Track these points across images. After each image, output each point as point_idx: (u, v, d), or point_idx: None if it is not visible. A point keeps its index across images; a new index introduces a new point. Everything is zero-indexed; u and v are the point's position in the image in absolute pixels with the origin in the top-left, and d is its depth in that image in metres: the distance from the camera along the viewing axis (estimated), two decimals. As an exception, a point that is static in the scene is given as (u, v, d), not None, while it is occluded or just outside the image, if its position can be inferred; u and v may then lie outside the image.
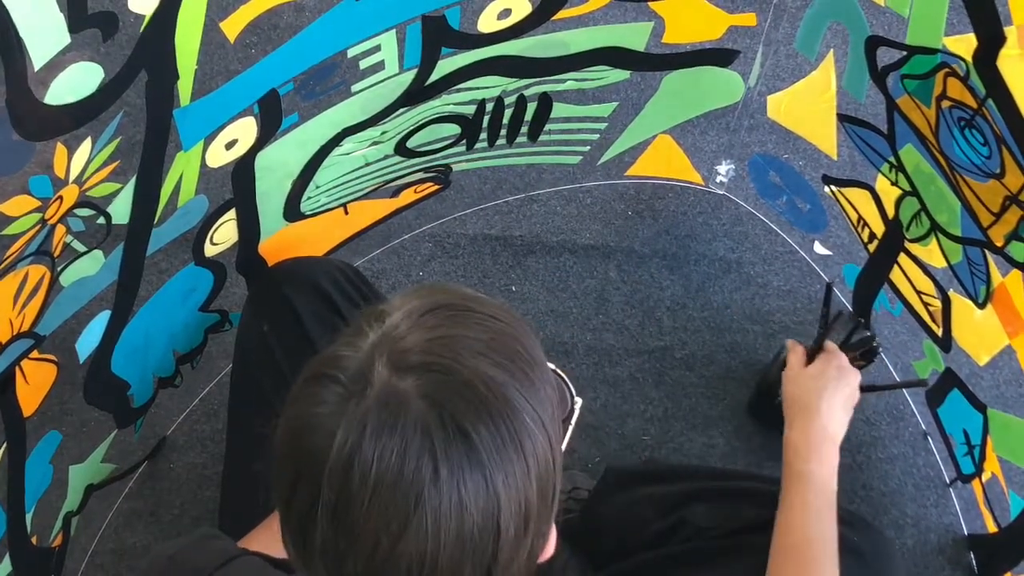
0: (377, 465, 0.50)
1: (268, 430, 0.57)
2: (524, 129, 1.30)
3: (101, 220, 0.90)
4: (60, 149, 0.81)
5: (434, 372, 0.53)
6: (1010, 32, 0.82)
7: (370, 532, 0.51)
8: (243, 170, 1.01)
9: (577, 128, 1.38)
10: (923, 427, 1.40)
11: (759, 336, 1.46)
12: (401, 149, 1.20)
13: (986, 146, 0.93)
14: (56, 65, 0.70)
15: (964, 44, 0.89)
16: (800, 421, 1.04)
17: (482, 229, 1.55)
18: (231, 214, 1.07)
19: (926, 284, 1.20)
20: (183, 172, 0.93)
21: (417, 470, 0.51)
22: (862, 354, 1.24)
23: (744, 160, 1.54)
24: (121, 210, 0.90)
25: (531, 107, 1.25)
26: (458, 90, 1.13)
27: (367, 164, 1.19)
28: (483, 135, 1.27)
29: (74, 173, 0.83)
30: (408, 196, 1.39)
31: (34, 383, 0.96)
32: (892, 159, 1.13)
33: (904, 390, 1.43)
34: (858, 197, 1.26)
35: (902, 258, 1.22)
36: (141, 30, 0.76)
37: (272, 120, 0.96)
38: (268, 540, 0.81)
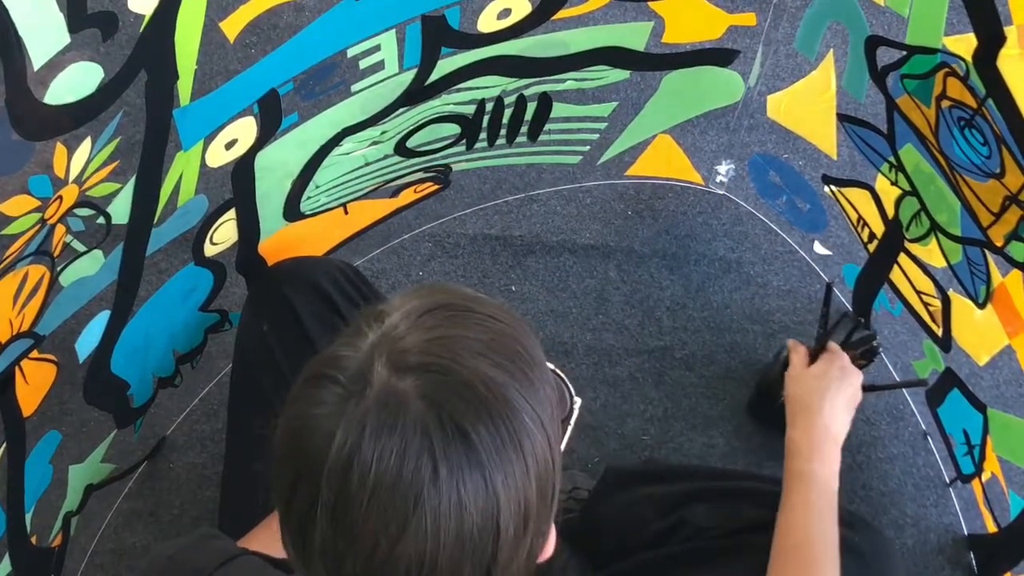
0: (376, 466, 0.50)
1: (268, 430, 0.57)
2: (524, 129, 1.30)
3: (101, 220, 0.90)
4: (60, 149, 0.81)
5: (433, 372, 0.53)
6: (1010, 32, 0.82)
7: (369, 532, 0.51)
8: (243, 170, 1.01)
9: (577, 128, 1.38)
10: (923, 427, 1.40)
11: (759, 336, 1.46)
12: (401, 149, 1.20)
13: (986, 146, 0.93)
14: (56, 65, 0.70)
15: (964, 44, 0.89)
16: (803, 421, 1.04)
17: (482, 229, 1.55)
18: (231, 214, 1.07)
19: (926, 284, 1.20)
20: (183, 172, 0.93)
21: (416, 470, 0.50)
22: (862, 354, 1.24)
23: (744, 160, 1.54)
24: (121, 210, 0.90)
25: (531, 107, 1.25)
26: (458, 90, 1.13)
27: (367, 164, 1.19)
28: (483, 135, 1.27)
29: (74, 173, 0.83)
30: (408, 196, 1.39)
31: (34, 383, 0.95)
32: (892, 159, 1.13)
33: (904, 390, 1.43)
34: (858, 197, 1.26)
35: (902, 258, 1.22)
36: (141, 30, 0.76)
37: (272, 120, 0.96)
38: (268, 540, 0.81)
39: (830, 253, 1.50)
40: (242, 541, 0.83)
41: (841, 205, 1.33)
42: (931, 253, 1.15)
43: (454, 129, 1.22)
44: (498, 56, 1.10)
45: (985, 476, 1.22)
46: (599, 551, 1.05)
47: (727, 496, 1.02)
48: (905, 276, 1.24)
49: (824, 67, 1.20)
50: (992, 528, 1.25)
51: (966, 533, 1.32)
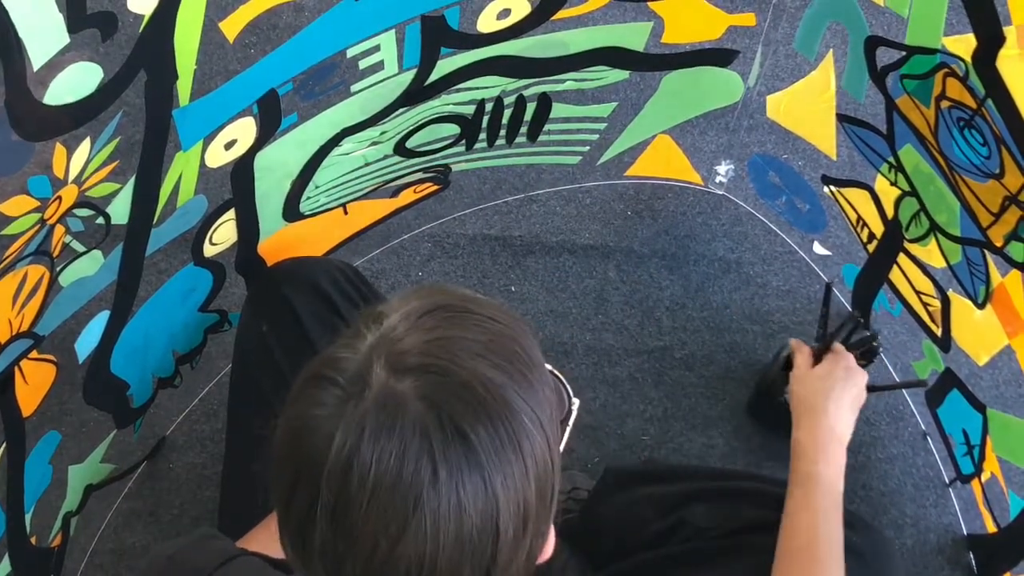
0: (376, 467, 0.50)
1: (267, 430, 0.57)
2: (523, 129, 1.30)
3: (100, 220, 0.90)
4: (59, 149, 0.81)
5: (432, 374, 0.53)
6: (1009, 32, 0.82)
7: (369, 534, 0.51)
8: (242, 170, 1.01)
9: (576, 128, 1.38)
10: (922, 427, 1.40)
11: (758, 336, 1.46)
12: (400, 149, 1.20)
13: (985, 146, 0.93)
14: (55, 65, 0.70)
15: (963, 44, 0.89)
16: (807, 422, 1.04)
17: (481, 229, 1.55)
18: (230, 214, 1.07)
19: (925, 284, 1.20)
20: (182, 172, 0.93)
21: (416, 472, 0.50)
22: (862, 354, 1.24)
23: (743, 160, 1.54)
24: (120, 210, 0.90)
25: (530, 107, 1.25)
26: (457, 90, 1.13)
27: (366, 164, 1.19)
28: (482, 135, 1.27)
29: (73, 173, 0.83)
30: (407, 196, 1.39)
31: (33, 383, 0.95)
32: (891, 159, 1.13)
33: (903, 390, 1.43)
34: (857, 197, 1.26)
35: (901, 258, 1.22)
36: (140, 30, 0.76)
37: (271, 120, 0.96)
38: (267, 540, 0.81)
39: (829, 253, 1.50)
40: (241, 541, 0.83)
41: (840, 205, 1.33)
42: (930, 253, 1.15)
43: (454, 129, 1.22)
44: (498, 56, 1.10)
45: (985, 476, 1.22)
46: (599, 551, 1.05)
47: (727, 496, 1.02)
48: (904, 276, 1.24)
49: (824, 67, 1.20)
50: (992, 528, 1.25)
51: (965, 533, 1.32)
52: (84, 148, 0.83)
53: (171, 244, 1.04)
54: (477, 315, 0.57)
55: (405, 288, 1.49)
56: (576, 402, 0.68)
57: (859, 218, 1.29)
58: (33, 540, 1.06)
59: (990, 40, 0.85)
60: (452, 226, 1.55)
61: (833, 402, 1.05)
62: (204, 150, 0.93)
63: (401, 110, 1.10)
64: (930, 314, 1.23)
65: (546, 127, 1.31)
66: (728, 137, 1.55)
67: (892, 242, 1.22)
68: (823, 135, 1.26)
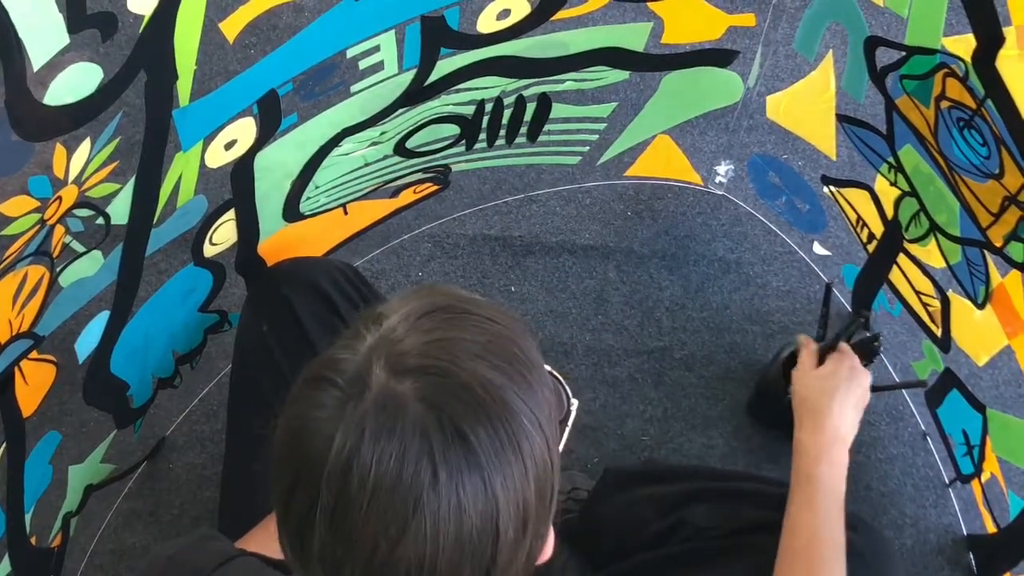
0: (376, 469, 0.50)
1: (267, 431, 0.57)
2: (523, 129, 1.30)
3: (100, 220, 0.90)
4: (59, 149, 0.81)
5: (432, 375, 0.53)
6: (1009, 32, 0.82)
7: (368, 536, 0.51)
8: (242, 170, 1.01)
9: (576, 128, 1.38)
10: (922, 427, 1.40)
11: (758, 336, 1.46)
12: (400, 149, 1.20)
13: (985, 146, 0.93)
14: (55, 65, 0.70)
15: (963, 44, 0.89)
16: (810, 422, 1.03)
17: (481, 229, 1.55)
18: (230, 214, 1.07)
19: (925, 284, 1.20)
20: (182, 172, 0.93)
21: (416, 474, 0.50)
22: (863, 354, 1.23)
23: (743, 160, 1.54)
24: (120, 210, 0.90)
25: (530, 107, 1.25)
26: (457, 90, 1.13)
27: (366, 164, 1.19)
28: (482, 135, 1.27)
29: (73, 173, 0.83)
30: (407, 196, 1.39)
31: (33, 383, 0.96)
32: (891, 159, 1.13)
33: (903, 390, 1.42)
34: (857, 197, 1.26)
35: (901, 258, 1.22)
36: (140, 30, 0.76)
37: (271, 120, 0.96)
38: (266, 541, 0.81)
39: (829, 254, 1.50)
40: (240, 542, 0.83)
41: (840, 206, 1.33)
42: (930, 254, 1.15)
43: (453, 130, 1.22)
44: (497, 57, 1.10)
45: (984, 476, 1.22)
46: (599, 551, 1.05)
47: (727, 496, 1.02)
48: (904, 276, 1.24)
49: (823, 68, 1.20)
50: (991, 528, 1.25)
51: (965, 533, 1.32)
52: (84, 148, 0.83)
53: (171, 244, 1.04)
54: (476, 316, 0.57)
55: (405, 288, 1.49)
56: (575, 402, 0.68)
57: (859, 218, 1.29)
58: (33, 540, 1.06)
59: (990, 40, 0.85)
60: (452, 226, 1.55)
61: (837, 403, 1.04)
62: (204, 150, 0.93)
63: (401, 110, 1.10)
64: (930, 314, 1.23)
65: (546, 127, 1.31)
66: (728, 137, 1.55)
67: (892, 242, 1.22)
68: (823, 135, 1.26)
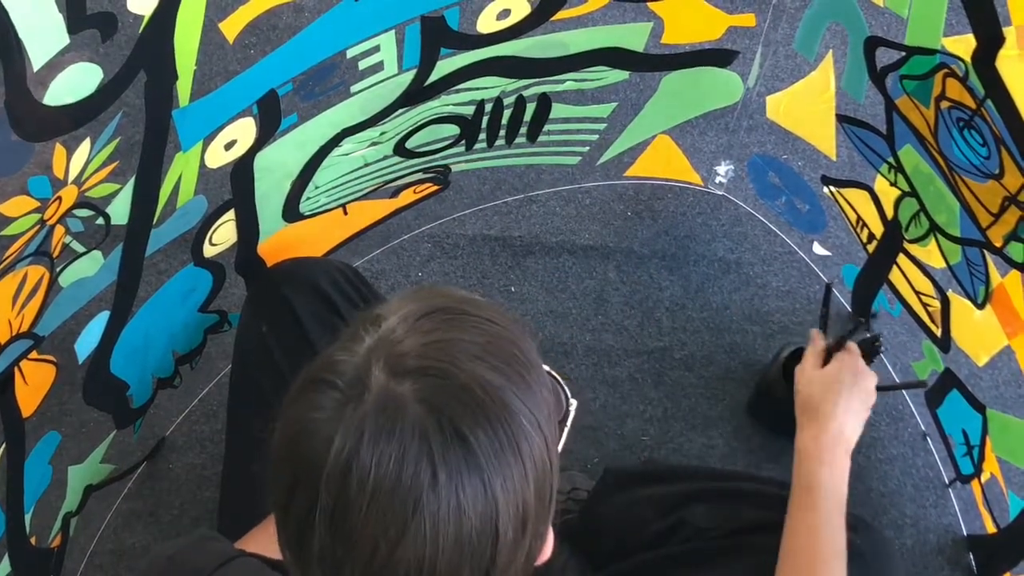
0: (375, 471, 0.50)
1: (267, 431, 0.57)
2: (523, 130, 1.30)
3: (100, 221, 0.90)
4: (59, 150, 0.81)
5: (431, 376, 0.53)
6: (1009, 33, 0.82)
7: (368, 538, 0.51)
8: (242, 171, 1.01)
9: (576, 129, 1.38)
10: (922, 428, 1.40)
11: (758, 337, 1.46)
12: (400, 150, 1.20)
13: (985, 147, 0.93)
14: (55, 66, 0.70)
15: (963, 45, 0.89)
16: (812, 427, 1.01)
17: (481, 230, 1.55)
18: (230, 215, 1.07)
19: (925, 285, 1.20)
20: (182, 173, 0.93)
21: (415, 475, 0.50)
22: (863, 354, 1.23)
23: (743, 161, 1.55)
24: (120, 211, 0.90)
25: (530, 107, 1.25)
26: (457, 91, 1.13)
27: (366, 164, 1.19)
28: (482, 136, 1.27)
29: (73, 174, 0.83)
30: (407, 196, 1.39)
31: (33, 384, 0.95)
32: (891, 160, 1.13)
33: (903, 391, 1.42)
34: (857, 198, 1.26)
35: (901, 259, 1.22)
36: (140, 31, 0.76)
37: (271, 121, 0.96)
38: (265, 542, 0.81)
39: (829, 254, 1.50)
40: (240, 543, 0.83)
41: (840, 206, 1.33)
42: (930, 254, 1.15)
43: (453, 130, 1.22)
44: (497, 57, 1.10)
45: (984, 477, 1.22)
46: (598, 552, 1.05)
47: (727, 497, 1.02)
48: (904, 277, 1.24)
49: (823, 68, 1.20)
50: (991, 529, 1.25)
51: (965, 534, 1.32)
52: (84, 149, 0.83)
53: (171, 244, 1.04)
54: (475, 317, 0.57)
55: (404, 289, 1.49)
56: (574, 403, 0.68)
57: (859, 218, 1.29)
58: (33, 540, 1.06)
59: (990, 40, 0.85)
60: (452, 226, 1.55)
61: (840, 407, 1.02)
62: (204, 150, 0.93)
63: (401, 110, 1.10)
64: (930, 314, 1.23)
65: (546, 127, 1.31)
66: (728, 137, 1.55)
67: (892, 242, 1.22)
68: (823, 135, 1.26)
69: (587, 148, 1.44)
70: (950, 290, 1.16)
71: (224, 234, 1.09)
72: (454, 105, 1.17)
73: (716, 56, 1.25)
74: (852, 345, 1.11)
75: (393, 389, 0.52)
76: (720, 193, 1.58)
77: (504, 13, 1.03)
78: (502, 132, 1.29)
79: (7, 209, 0.80)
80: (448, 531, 0.51)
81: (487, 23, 1.04)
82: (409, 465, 0.50)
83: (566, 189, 1.58)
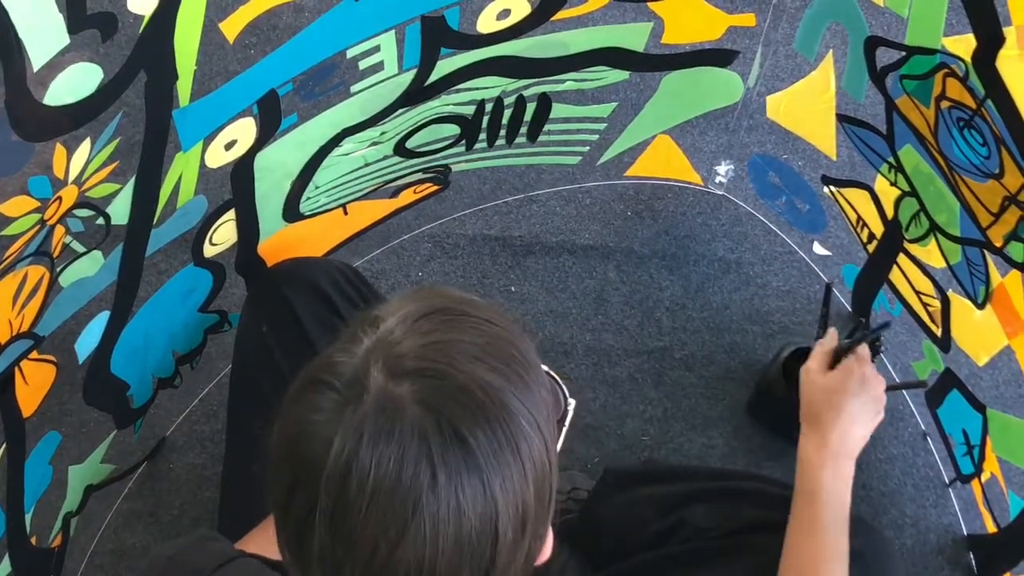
0: (375, 472, 0.50)
1: (267, 431, 0.57)
2: (523, 129, 1.30)
3: (100, 221, 0.90)
4: (59, 150, 0.81)
5: (430, 377, 0.53)
6: (1009, 32, 0.82)
7: (368, 539, 0.51)
8: (242, 171, 1.01)
9: (576, 128, 1.38)
10: (922, 427, 1.40)
11: (758, 336, 1.46)
12: (400, 149, 1.20)
13: (985, 146, 0.93)
14: (55, 66, 0.70)
15: (963, 44, 0.89)
16: (816, 434, 0.98)
17: (481, 230, 1.55)
18: (230, 215, 1.07)
19: (925, 284, 1.20)
20: (182, 173, 0.93)
21: (415, 476, 0.50)
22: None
23: (743, 160, 1.54)
24: (120, 211, 0.90)
25: (530, 107, 1.25)
26: (457, 90, 1.13)
27: (366, 164, 1.19)
28: (482, 135, 1.27)
29: (73, 174, 0.83)
30: (407, 196, 1.39)
31: (33, 384, 0.96)
32: (891, 159, 1.13)
33: (903, 390, 1.42)
34: (857, 197, 1.26)
35: (901, 258, 1.22)
36: (140, 31, 0.76)
37: (271, 121, 0.96)
38: (265, 542, 0.81)
39: (829, 254, 1.50)
40: (240, 543, 0.83)
41: (840, 206, 1.33)
42: (930, 254, 1.15)
43: (454, 130, 1.22)
44: (497, 57, 1.10)
45: (984, 476, 1.22)
46: (598, 551, 1.05)
47: (727, 496, 1.02)
48: (904, 276, 1.24)
49: (823, 68, 1.20)
50: (991, 528, 1.25)
51: (965, 533, 1.32)
52: (84, 149, 0.83)
53: (171, 244, 1.04)
54: (474, 318, 0.57)
55: (403, 289, 1.49)
56: (572, 402, 0.68)
57: (859, 218, 1.29)
58: (33, 540, 1.06)
59: (990, 40, 0.85)
60: (452, 226, 1.55)
61: (844, 416, 0.98)
62: (204, 150, 0.93)
63: (401, 110, 1.10)
64: (930, 314, 1.23)
65: (546, 127, 1.31)
66: (728, 137, 1.55)
67: (892, 242, 1.22)
68: (823, 135, 1.26)
69: (587, 148, 1.44)
70: (950, 290, 1.16)
71: (224, 234, 1.09)
72: (454, 105, 1.17)
73: (716, 56, 1.25)
74: (863, 351, 1.05)
75: (392, 390, 0.52)
76: (720, 193, 1.58)
77: (504, 13, 1.03)
78: (502, 132, 1.29)
79: (7, 209, 0.80)
80: (448, 532, 0.51)
81: (487, 23, 1.04)
82: (408, 466, 0.50)
83: (566, 189, 1.58)
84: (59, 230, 0.88)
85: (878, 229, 1.25)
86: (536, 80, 1.19)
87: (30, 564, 1.06)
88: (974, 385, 1.23)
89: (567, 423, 0.68)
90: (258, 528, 0.88)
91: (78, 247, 0.94)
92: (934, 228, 1.11)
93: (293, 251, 1.20)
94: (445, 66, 1.07)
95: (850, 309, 1.44)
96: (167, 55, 0.79)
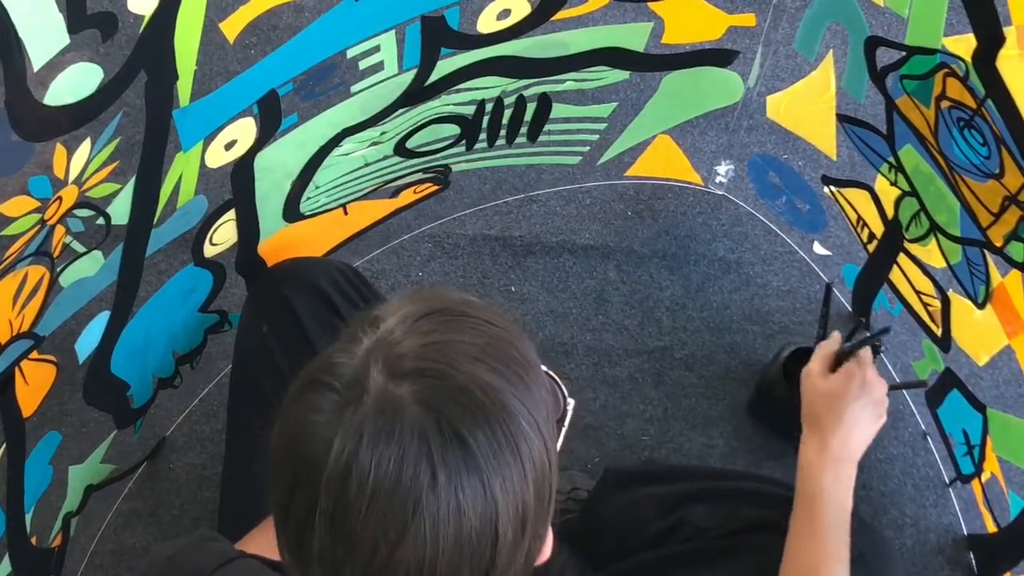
0: (375, 473, 0.50)
1: (267, 431, 0.57)
2: (523, 129, 1.30)
3: (100, 221, 0.90)
4: (59, 150, 0.81)
5: (429, 378, 0.53)
6: (1009, 32, 0.82)
7: (368, 539, 0.51)
8: (242, 171, 1.01)
9: (576, 128, 1.38)
10: (922, 427, 1.40)
11: (758, 336, 1.46)
12: (400, 149, 1.20)
13: (985, 146, 0.93)
14: (55, 66, 0.70)
15: (963, 44, 0.89)
16: (816, 438, 0.97)
17: (481, 230, 1.55)
18: (230, 215, 1.07)
19: (925, 284, 1.20)
20: (182, 173, 0.93)
21: (415, 477, 0.50)
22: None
23: (743, 160, 1.54)
24: (120, 211, 0.90)
25: (530, 107, 1.25)
26: (457, 90, 1.13)
27: (366, 164, 1.19)
28: (482, 135, 1.27)
29: (73, 174, 0.83)
30: (407, 196, 1.39)
31: (34, 384, 0.96)
32: (891, 159, 1.13)
33: (903, 390, 1.42)
34: (857, 197, 1.26)
35: (901, 258, 1.22)
36: (140, 31, 0.76)
37: (271, 121, 0.96)
38: (265, 543, 0.81)
39: (830, 253, 1.50)
40: (239, 543, 0.83)
41: (840, 205, 1.33)
42: (930, 253, 1.15)
43: (454, 130, 1.22)
44: (498, 57, 1.10)
45: (985, 476, 1.22)
46: (599, 551, 1.05)
47: (727, 496, 1.02)
48: (904, 276, 1.24)
49: (824, 68, 1.20)
50: (992, 528, 1.25)
51: (966, 533, 1.32)
52: (84, 148, 0.83)
53: (171, 244, 1.04)
54: (473, 318, 0.57)
55: (403, 289, 1.49)
56: (571, 402, 0.68)
57: (859, 218, 1.29)
58: (33, 540, 1.06)
59: (990, 40, 0.85)
60: (452, 226, 1.55)
61: (844, 423, 0.97)
62: (204, 150, 0.93)
63: (401, 110, 1.10)
64: (930, 314, 1.23)
65: (546, 127, 1.31)
66: (728, 137, 1.55)
67: (892, 242, 1.22)
68: (823, 135, 1.26)
69: (587, 148, 1.44)
70: (950, 290, 1.16)
71: (224, 234, 1.09)
72: (454, 105, 1.17)
73: (716, 56, 1.25)
74: (863, 354, 1.05)
75: (392, 391, 0.52)
76: (720, 193, 1.58)
77: (504, 13, 1.03)
78: (502, 132, 1.29)
79: (7, 209, 0.80)
80: (448, 532, 0.51)
81: (487, 23, 1.04)
82: (408, 467, 0.50)
83: (566, 189, 1.58)
84: (59, 230, 0.88)
85: (878, 229, 1.25)
86: (536, 80, 1.19)
87: (30, 564, 1.06)
88: (974, 385, 1.23)
89: (566, 423, 0.68)
90: (258, 528, 0.88)
91: (78, 247, 0.94)
92: (934, 228, 1.11)
93: (293, 251, 1.20)
94: (445, 66, 1.07)
95: (850, 309, 1.44)
96: (167, 55, 0.79)
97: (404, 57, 1.02)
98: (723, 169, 1.56)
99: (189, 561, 0.73)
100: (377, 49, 0.98)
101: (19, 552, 1.02)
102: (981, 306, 1.10)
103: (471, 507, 0.51)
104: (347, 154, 1.13)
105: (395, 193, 1.35)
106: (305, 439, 0.53)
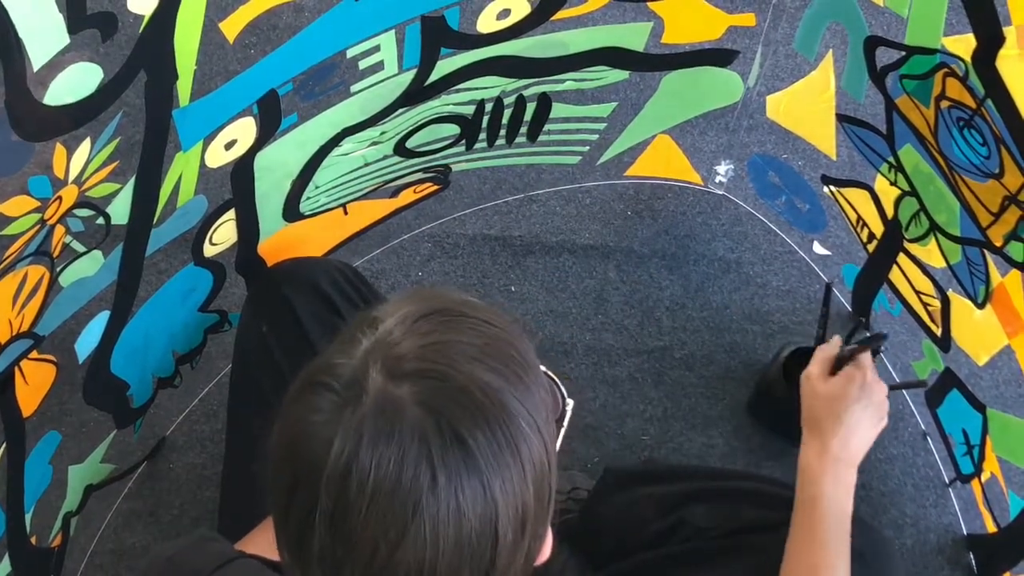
0: (375, 473, 0.50)
1: (267, 431, 0.57)
2: (523, 129, 1.30)
3: (100, 220, 0.90)
4: (59, 149, 0.81)
5: (429, 378, 0.53)
6: (1009, 32, 0.82)
7: (368, 540, 0.51)
8: (242, 170, 1.01)
9: (576, 128, 1.38)
10: (922, 427, 1.40)
11: (758, 336, 1.46)
12: (400, 149, 1.20)
13: (985, 146, 0.93)
14: (55, 65, 0.70)
15: (963, 44, 0.89)
16: (816, 441, 0.97)
17: (481, 229, 1.55)
18: (230, 214, 1.07)
19: (925, 284, 1.20)
20: (182, 172, 0.93)
21: (415, 478, 0.50)
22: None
23: (743, 160, 1.54)
24: (120, 210, 0.90)
25: (530, 107, 1.25)
26: (457, 90, 1.13)
27: (366, 164, 1.19)
28: (482, 135, 1.27)
29: (73, 173, 0.83)
30: (407, 196, 1.39)
31: (33, 383, 0.96)
32: (891, 159, 1.13)
33: (903, 390, 1.42)
34: (857, 197, 1.26)
35: (901, 258, 1.22)
36: (140, 30, 0.76)
37: (271, 120, 0.96)
38: (265, 543, 0.81)
39: (829, 253, 1.50)
40: (239, 544, 0.83)
41: (840, 205, 1.33)
42: (930, 253, 1.15)
43: (454, 129, 1.22)
44: (497, 56, 1.10)
45: (984, 476, 1.22)
46: (598, 551, 1.05)
47: (726, 496, 1.02)
48: (904, 276, 1.24)
49: (823, 67, 1.20)
50: (991, 528, 1.25)
51: (965, 533, 1.32)
52: (84, 148, 0.83)
53: (171, 244, 1.04)
54: (472, 319, 0.57)
55: (403, 289, 1.49)
56: (570, 402, 0.68)
57: (859, 218, 1.29)
58: (33, 540, 1.06)
59: (990, 40, 0.85)
60: (452, 226, 1.55)
61: (844, 423, 0.97)
62: (204, 150, 0.93)
63: (401, 110, 1.10)
64: (930, 314, 1.23)
65: (546, 127, 1.31)
66: (728, 137, 1.55)
67: (892, 242, 1.22)
68: (823, 135, 1.26)
69: (587, 148, 1.44)
70: (950, 289, 1.16)
71: (224, 234, 1.09)
72: (454, 105, 1.17)
73: (716, 56, 1.25)
74: (863, 358, 1.04)
75: (391, 392, 0.52)
76: (720, 193, 1.58)
77: (504, 13, 1.03)
78: (502, 132, 1.29)
79: (7, 209, 0.80)
80: (448, 533, 0.51)
81: (487, 23, 1.04)
82: (408, 467, 0.50)
83: (566, 189, 1.58)
84: (59, 230, 0.88)
85: (878, 229, 1.25)
86: (536, 80, 1.19)
87: (30, 564, 1.06)
88: (974, 385, 1.23)
89: (566, 423, 0.68)
90: (258, 529, 0.88)
91: (78, 247, 0.94)
92: (934, 228, 1.11)
93: (293, 251, 1.20)
94: (445, 66, 1.07)
95: (850, 309, 1.44)
96: (167, 55, 0.79)
97: (404, 57, 1.02)
98: (723, 169, 1.56)
99: (188, 561, 0.73)
100: (377, 49, 0.98)
101: (19, 552, 1.02)
102: (981, 306, 1.10)
103: (471, 508, 0.51)
104: (347, 154, 1.13)
105: (395, 193, 1.35)
106: (305, 439, 0.53)
